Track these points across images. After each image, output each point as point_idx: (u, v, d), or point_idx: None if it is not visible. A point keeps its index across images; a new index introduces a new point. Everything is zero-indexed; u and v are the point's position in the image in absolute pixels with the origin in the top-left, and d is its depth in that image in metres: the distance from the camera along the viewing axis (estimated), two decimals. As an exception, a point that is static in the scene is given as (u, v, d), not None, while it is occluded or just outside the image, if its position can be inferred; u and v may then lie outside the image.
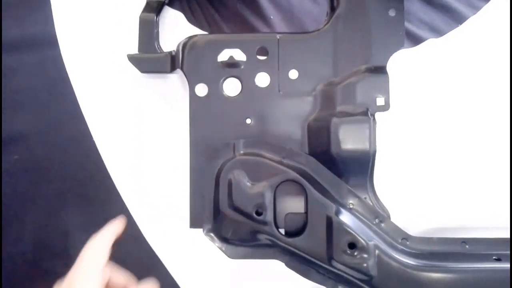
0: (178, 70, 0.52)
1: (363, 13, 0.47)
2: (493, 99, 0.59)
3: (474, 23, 0.67)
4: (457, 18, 0.66)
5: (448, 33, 0.65)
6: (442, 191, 0.49)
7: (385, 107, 0.45)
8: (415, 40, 0.64)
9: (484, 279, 0.41)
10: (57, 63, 0.59)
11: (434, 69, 0.63)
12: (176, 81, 0.56)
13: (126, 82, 0.58)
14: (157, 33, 0.61)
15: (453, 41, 0.65)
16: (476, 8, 0.68)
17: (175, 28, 0.62)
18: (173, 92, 0.56)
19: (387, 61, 0.47)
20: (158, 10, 0.62)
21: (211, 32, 0.58)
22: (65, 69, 0.59)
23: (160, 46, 0.60)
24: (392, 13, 0.48)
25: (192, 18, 0.63)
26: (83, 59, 0.59)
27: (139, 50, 0.59)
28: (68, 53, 0.59)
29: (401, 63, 0.61)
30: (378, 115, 0.46)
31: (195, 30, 0.62)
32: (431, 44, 0.64)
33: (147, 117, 0.56)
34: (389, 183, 0.48)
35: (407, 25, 0.65)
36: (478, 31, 0.66)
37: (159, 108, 0.57)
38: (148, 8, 0.62)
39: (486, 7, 0.67)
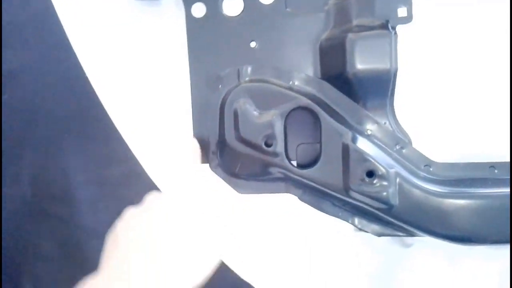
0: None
1: None
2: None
3: None
4: None
5: None
6: (469, 114, 0.44)
7: (408, 19, 0.40)
8: None
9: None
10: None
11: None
12: (171, 5, 0.50)
13: (117, 10, 0.53)
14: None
15: None
16: None
17: None
18: (169, 17, 0.51)
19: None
20: None
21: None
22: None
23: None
24: None
25: None
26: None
27: (128, -27, 0.52)
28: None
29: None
30: (399, 28, 0.40)
31: None
32: None
33: (142, 46, 0.51)
34: (410, 105, 0.44)
35: None
36: None
37: (154, 36, 0.51)
38: None
39: None
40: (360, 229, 0.44)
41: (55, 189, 0.51)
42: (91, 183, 0.50)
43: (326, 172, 0.41)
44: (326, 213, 0.44)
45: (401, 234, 0.43)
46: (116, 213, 0.44)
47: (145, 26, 0.52)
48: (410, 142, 0.42)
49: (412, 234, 0.42)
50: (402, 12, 0.40)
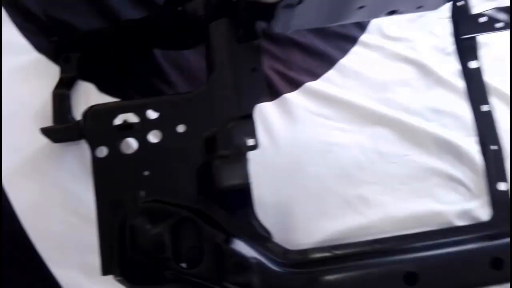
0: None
1: (233, 74, 0.57)
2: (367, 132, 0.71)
3: (344, 64, 0.81)
4: (330, 62, 0.79)
5: (323, 76, 0.78)
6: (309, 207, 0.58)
7: (255, 147, 0.54)
8: (297, 84, 0.76)
9: (350, 277, 0.49)
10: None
11: (312, 107, 0.74)
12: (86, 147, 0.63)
13: (43, 152, 0.65)
14: (69, 105, 0.68)
15: (327, 82, 0.78)
16: (344, 51, 0.82)
17: (88, 98, 0.70)
18: (86, 156, 0.63)
19: (254, 109, 0.57)
20: (70, 84, 0.70)
21: (122, 99, 0.67)
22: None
23: (73, 116, 0.67)
24: (254, 71, 0.58)
25: (104, 88, 0.71)
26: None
27: (53, 122, 0.66)
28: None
29: (285, 105, 0.73)
30: (251, 153, 0.55)
31: (107, 99, 0.70)
32: (308, 86, 0.76)
33: (61, 179, 0.62)
34: (270, 208, 0.57)
35: (290, 73, 0.77)
36: (347, 71, 0.80)
37: (73, 172, 0.63)
38: (61, 84, 0.69)
39: (354, 50, 0.81)
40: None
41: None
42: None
43: (208, 269, 0.51)
44: (217, 304, 0.53)
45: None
46: None
47: (66, 164, 0.64)
48: (271, 237, 0.53)
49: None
50: (251, 142, 0.55)
